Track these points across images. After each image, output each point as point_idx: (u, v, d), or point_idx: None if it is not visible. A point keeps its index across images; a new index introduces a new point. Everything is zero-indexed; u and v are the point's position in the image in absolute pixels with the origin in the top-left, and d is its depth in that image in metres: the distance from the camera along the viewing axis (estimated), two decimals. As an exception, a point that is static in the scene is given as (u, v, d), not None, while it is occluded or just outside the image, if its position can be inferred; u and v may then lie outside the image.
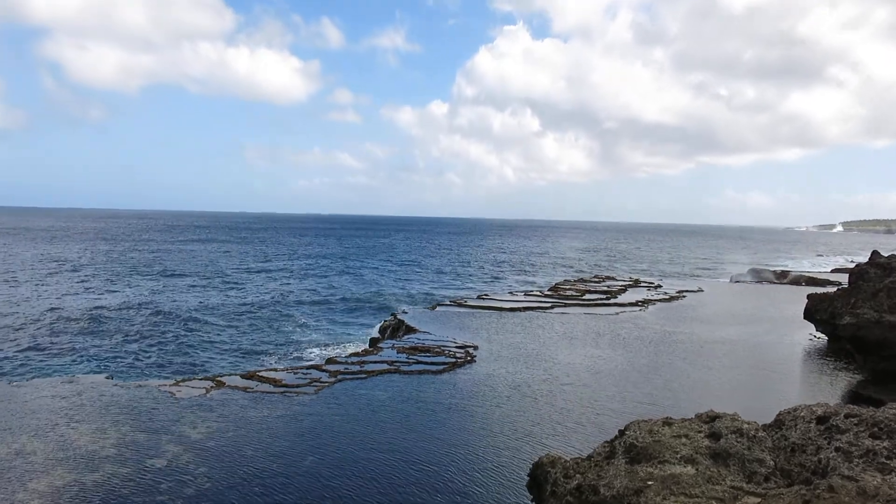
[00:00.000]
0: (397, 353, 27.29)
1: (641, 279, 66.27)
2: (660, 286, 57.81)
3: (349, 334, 52.99)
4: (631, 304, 44.97)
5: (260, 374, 23.68)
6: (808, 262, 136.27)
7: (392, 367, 24.59)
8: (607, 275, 73.99)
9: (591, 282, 59.46)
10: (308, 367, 25.19)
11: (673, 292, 52.77)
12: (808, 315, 33.57)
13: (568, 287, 53.82)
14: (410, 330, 33.65)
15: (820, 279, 66.85)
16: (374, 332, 41.96)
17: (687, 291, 54.37)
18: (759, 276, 72.46)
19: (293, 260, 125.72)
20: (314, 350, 46.85)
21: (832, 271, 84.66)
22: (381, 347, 28.82)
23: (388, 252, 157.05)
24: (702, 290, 55.98)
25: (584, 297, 47.24)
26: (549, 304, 43.27)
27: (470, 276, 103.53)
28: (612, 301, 46.40)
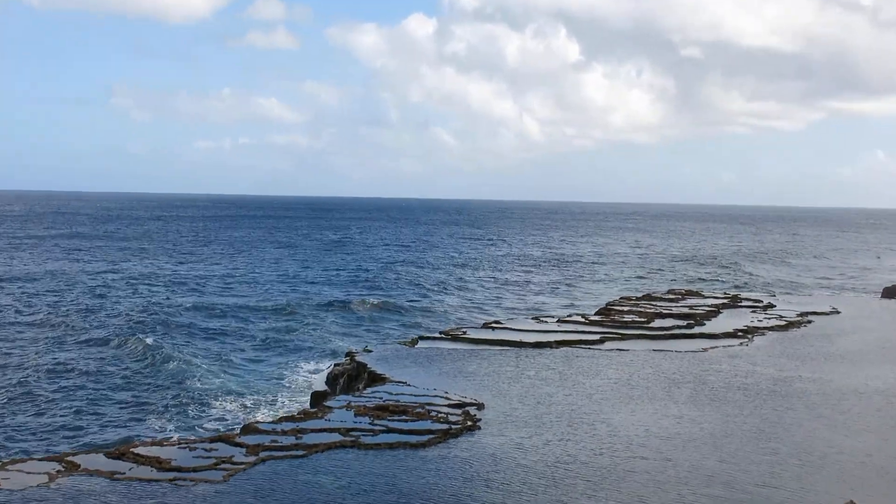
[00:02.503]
0: (356, 415, 27.02)
1: (742, 295, 66.22)
2: (771, 305, 57.78)
3: (279, 385, 52.76)
4: (726, 335, 44.78)
5: (136, 450, 23.41)
6: None
7: (347, 439, 24.34)
8: (688, 289, 73.96)
9: (664, 300, 59.39)
10: (213, 439, 24.87)
11: (792, 315, 52.71)
12: None
13: (626, 308, 53.71)
14: (376, 379, 33.32)
15: None
16: (320, 383, 41.72)
17: (814, 314, 54.32)
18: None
19: (189, 263, 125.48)
20: (223, 410, 46.65)
21: None
22: (329, 407, 28.52)
23: (342, 253, 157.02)
24: (837, 312, 55.95)
25: (651, 325, 47.10)
26: (596, 336, 43.07)
27: (471, 290, 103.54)
28: (697, 330, 46.23)
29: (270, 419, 30.06)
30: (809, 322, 50.86)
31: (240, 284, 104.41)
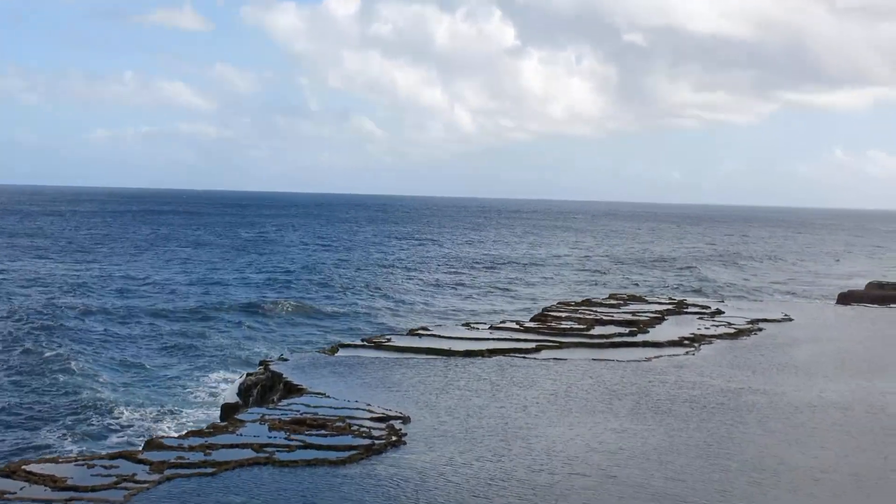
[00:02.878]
0: (270, 429, 26.87)
1: (688, 300, 66.85)
2: (720, 311, 58.38)
3: (186, 396, 52.33)
4: (671, 344, 45.15)
5: (28, 467, 23.06)
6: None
7: (261, 455, 24.17)
8: (631, 294, 74.49)
9: (604, 305, 59.75)
10: (113, 456, 24.55)
11: (742, 322, 53.28)
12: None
13: (564, 314, 53.95)
14: (293, 390, 33.18)
15: None
16: (231, 394, 41.43)
17: (765, 321, 54.95)
18: (886, 295, 73.77)
19: (87, 263, 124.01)
20: (124, 423, 46.17)
21: None
22: (241, 420, 28.33)
23: (257, 253, 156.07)
24: (790, 319, 56.68)
25: (591, 332, 47.34)
26: (531, 344, 43.17)
27: (396, 294, 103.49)
28: (640, 338, 46.54)
29: (176, 434, 29.84)
30: (760, 330, 51.44)
31: (144, 286, 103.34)
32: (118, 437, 43.52)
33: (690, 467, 24.17)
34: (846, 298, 74.65)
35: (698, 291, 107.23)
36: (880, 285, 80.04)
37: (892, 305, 69.27)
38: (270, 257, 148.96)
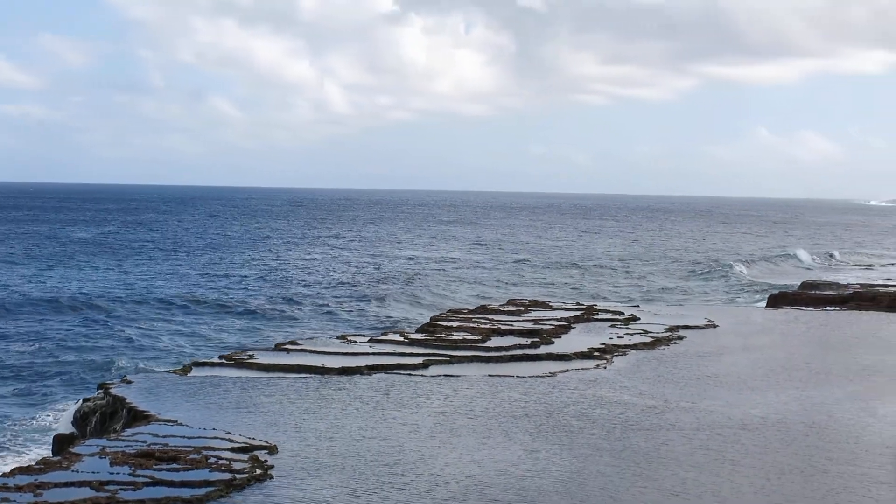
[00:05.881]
0: (112, 464, 26.54)
1: (598, 305, 67.31)
2: (634, 318, 58.88)
3: (9, 426, 51.51)
4: (579, 356, 45.34)
5: None
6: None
7: (102, 495, 23.86)
8: (532, 299, 74.87)
9: (502, 312, 59.90)
10: (-79, 500, 24.17)
11: (660, 330, 53.75)
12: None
13: (456, 324, 53.99)
14: (139, 417, 32.81)
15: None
16: (65, 423, 40.92)
17: (686, 328, 55.54)
18: (819, 296, 75.20)
19: None
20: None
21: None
22: (77, 454, 27.93)
23: (96, 253, 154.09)
24: (714, 325, 57.42)
25: (486, 344, 47.46)
26: (418, 359, 43.20)
27: (258, 302, 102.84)
28: (543, 350, 46.74)
29: (1, 471, 29.27)
30: (681, 338, 51.97)
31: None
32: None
33: (606, 495, 24.40)
34: (777, 300, 75.98)
35: (607, 295, 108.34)
36: (813, 285, 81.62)
37: (827, 308, 70.63)
38: (111, 261, 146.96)
